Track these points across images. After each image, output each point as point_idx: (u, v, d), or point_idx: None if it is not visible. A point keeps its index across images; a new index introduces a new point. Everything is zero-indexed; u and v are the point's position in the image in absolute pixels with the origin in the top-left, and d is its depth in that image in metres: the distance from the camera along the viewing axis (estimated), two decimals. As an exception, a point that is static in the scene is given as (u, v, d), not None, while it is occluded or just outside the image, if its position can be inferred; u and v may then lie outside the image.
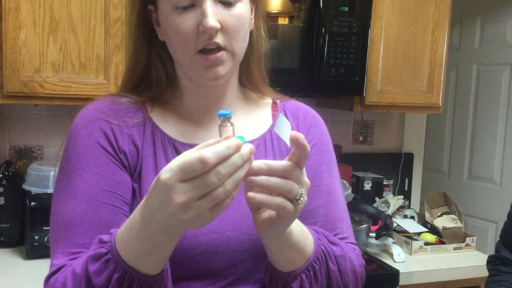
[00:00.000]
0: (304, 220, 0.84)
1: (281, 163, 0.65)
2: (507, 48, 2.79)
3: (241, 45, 0.82)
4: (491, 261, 1.57)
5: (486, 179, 2.95)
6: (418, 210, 2.55)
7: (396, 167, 2.55)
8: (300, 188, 0.66)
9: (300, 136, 0.64)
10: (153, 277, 0.69)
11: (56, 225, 0.79)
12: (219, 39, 0.79)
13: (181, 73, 0.88)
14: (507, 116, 2.82)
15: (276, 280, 0.79)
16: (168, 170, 0.60)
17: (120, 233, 0.69)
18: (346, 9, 1.90)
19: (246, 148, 0.62)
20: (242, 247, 0.82)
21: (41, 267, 1.65)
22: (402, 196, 2.36)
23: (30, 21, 1.59)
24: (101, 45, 1.66)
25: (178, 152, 0.84)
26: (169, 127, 0.87)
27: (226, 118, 0.67)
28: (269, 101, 0.96)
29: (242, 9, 0.81)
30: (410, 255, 1.99)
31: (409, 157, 2.59)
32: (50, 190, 1.73)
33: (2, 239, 1.80)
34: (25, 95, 1.61)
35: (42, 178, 1.76)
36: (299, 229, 0.76)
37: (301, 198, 0.66)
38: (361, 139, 2.48)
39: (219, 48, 0.79)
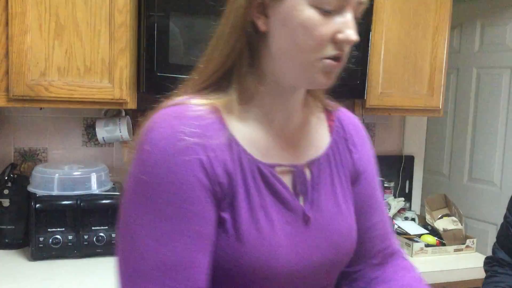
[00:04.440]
0: (364, 234, 0.89)
1: None
2: (506, 51, 2.81)
3: None
4: (488, 263, 1.59)
5: (486, 181, 2.96)
6: (418, 212, 2.57)
7: (397, 169, 2.57)
8: None
9: None
10: None
11: (146, 264, 0.70)
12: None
13: (271, 73, 0.80)
14: (507, 119, 2.83)
15: None
16: None
17: None
18: (348, 13, 1.92)
19: None
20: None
21: (46, 268, 1.67)
22: (403, 198, 2.38)
23: (36, 26, 1.61)
24: (106, 49, 1.68)
25: (263, 176, 0.78)
26: (250, 144, 0.79)
27: None
28: (320, 105, 0.92)
29: None
30: (411, 256, 2.00)
31: (410, 159, 2.61)
32: (55, 192, 1.76)
33: (7, 240, 1.82)
34: (31, 98, 1.63)
35: (46, 180, 1.78)
36: None
37: None
38: (362, 141, 2.49)
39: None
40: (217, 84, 0.80)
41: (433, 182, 3.20)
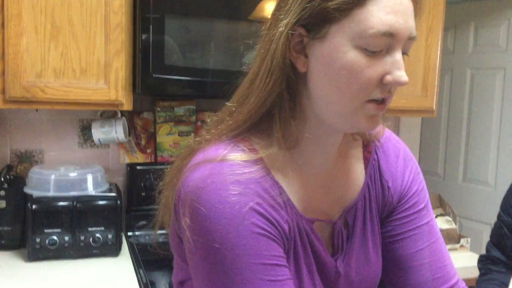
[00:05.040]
0: (408, 262, 0.83)
1: None
2: (500, 52, 2.83)
3: None
4: (482, 261, 1.61)
5: (481, 181, 2.98)
6: (413, 212, 2.58)
7: (391, 170, 2.58)
8: None
9: None
10: None
11: None
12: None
13: (313, 115, 0.75)
14: (500, 119, 2.85)
15: None
16: None
17: None
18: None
19: None
20: None
21: (43, 269, 1.67)
22: (397, 199, 2.38)
23: (32, 28, 1.62)
24: (101, 51, 1.69)
25: (306, 233, 0.77)
26: (294, 197, 0.77)
27: None
28: (357, 137, 0.87)
29: None
30: (406, 256, 2.01)
31: (405, 160, 2.62)
32: (51, 193, 1.76)
33: (3, 242, 1.82)
34: (27, 100, 1.64)
35: (43, 181, 1.78)
36: None
37: None
38: (357, 142, 2.51)
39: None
40: (254, 127, 0.76)
41: (428, 182, 3.18)
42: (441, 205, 2.28)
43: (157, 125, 2.08)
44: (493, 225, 1.64)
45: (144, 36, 1.69)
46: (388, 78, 0.68)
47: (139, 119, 2.09)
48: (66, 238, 1.74)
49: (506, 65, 2.80)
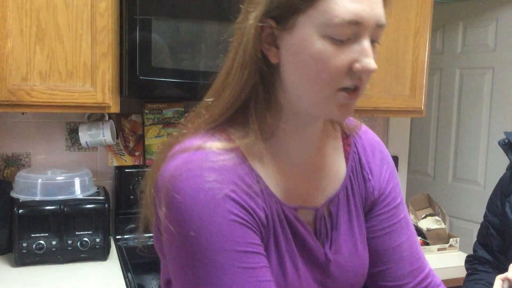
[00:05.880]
0: (390, 256, 0.85)
1: None
2: (488, 52, 2.85)
3: None
4: (469, 261, 1.61)
5: (470, 181, 3.00)
6: (403, 212, 2.58)
7: (381, 170, 2.58)
8: None
9: None
10: None
11: None
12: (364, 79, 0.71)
13: (288, 104, 0.76)
14: (489, 118, 2.87)
15: None
16: None
17: None
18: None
19: None
20: None
21: (30, 274, 1.65)
22: (387, 199, 2.38)
23: (17, 30, 1.60)
24: (87, 53, 1.67)
25: (288, 220, 0.78)
26: (274, 186, 0.77)
27: None
28: (338, 128, 0.89)
29: None
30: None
31: (394, 160, 2.61)
32: (38, 198, 1.74)
33: (-10, 247, 1.81)
34: (13, 103, 1.62)
35: (30, 185, 1.77)
36: None
37: None
38: (346, 143, 2.50)
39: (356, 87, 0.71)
40: (231, 119, 0.76)
41: (418, 182, 3.22)
42: (431, 205, 2.28)
43: (146, 127, 2.07)
44: (479, 225, 1.64)
45: (130, 38, 1.67)
46: (357, 65, 0.69)
47: (127, 121, 2.08)
48: (54, 243, 1.72)
49: (495, 65, 2.82)
